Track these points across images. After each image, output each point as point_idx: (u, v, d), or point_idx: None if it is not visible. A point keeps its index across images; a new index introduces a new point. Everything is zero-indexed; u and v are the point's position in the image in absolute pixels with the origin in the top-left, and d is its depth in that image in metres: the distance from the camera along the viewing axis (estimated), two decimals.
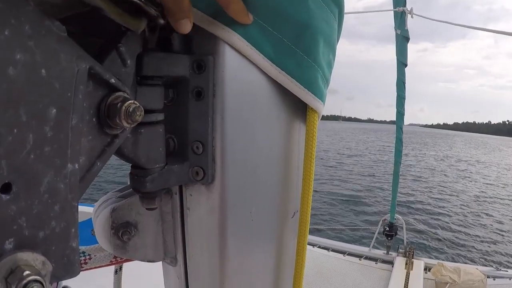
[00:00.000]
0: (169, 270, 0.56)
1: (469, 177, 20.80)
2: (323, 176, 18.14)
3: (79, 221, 0.32)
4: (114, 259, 0.73)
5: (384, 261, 4.16)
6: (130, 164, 0.44)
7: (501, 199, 14.69)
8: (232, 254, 0.49)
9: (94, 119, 0.34)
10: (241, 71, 0.45)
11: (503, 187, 17.95)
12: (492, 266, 4.03)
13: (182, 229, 0.50)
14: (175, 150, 0.46)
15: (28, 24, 0.25)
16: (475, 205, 13.42)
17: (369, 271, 3.98)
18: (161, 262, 0.55)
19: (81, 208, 0.34)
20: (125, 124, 0.34)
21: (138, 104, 0.35)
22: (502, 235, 9.90)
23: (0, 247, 0.25)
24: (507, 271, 3.94)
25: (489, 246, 8.97)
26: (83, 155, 0.33)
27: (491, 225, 10.93)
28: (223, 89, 0.44)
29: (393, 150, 4.61)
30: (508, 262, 7.70)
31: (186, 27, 0.38)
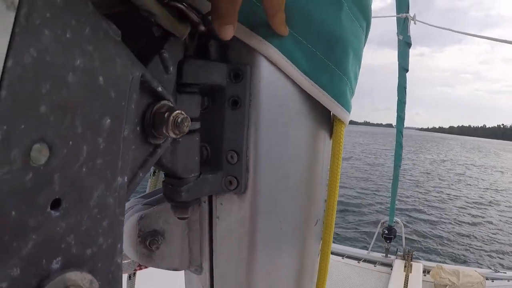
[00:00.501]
0: (193, 278, 0.56)
1: (466, 181, 20.84)
2: None
3: None
4: (139, 267, 0.70)
5: (383, 264, 4.18)
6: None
7: (498, 202, 14.74)
8: (259, 263, 0.48)
9: (138, 128, 0.32)
10: (276, 82, 0.45)
11: (502, 191, 18.03)
12: (490, 268, 4.06)
13: (210, 237, 0.50)
14: (208, 159, 0.45)
15: (88, 26, 0.24)
16: (473, 208, 13.46)
17: (367, 273, 4.00)
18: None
19: None
20: (171, 134, 0.33)
21: (186, 115, 0.34)
22: (500, 237, 9.96)
23: (47, 267, 0.23)
24: (505, 272, 3.97)
25: (487, 248, 9.01)
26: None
27: (490, 227, 10.98)
28: (259, 99, 0.44)
29: (391, 154, 4.64)
30: (506, 264, 7.75)
31: (229, 33, 0.38)
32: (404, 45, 4.32)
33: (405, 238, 4.41)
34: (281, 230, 0.49)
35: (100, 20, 0.25)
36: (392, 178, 4.73)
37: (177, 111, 0.34)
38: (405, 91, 4.41)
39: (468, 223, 11.31)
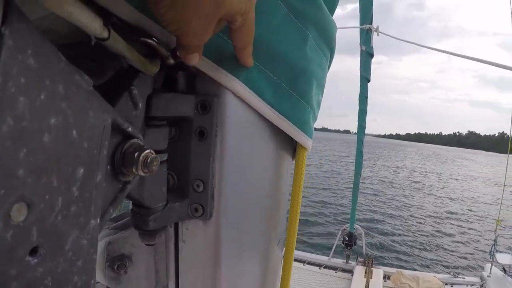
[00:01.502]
0: None
1: (423, 188, 21.52)
2: None
3: None
4: None
5: (343, 270, 4.23)
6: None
7: (454, 211, 15.28)
8: (224, 283, 0.50)
9: (108, 167, 0.33)
10: (241, 113, 0.46)
11: (457, 199, 18.71)
12: (449, 274, 4.15)
13: (175, 259, 0.51)
14: (175, 187, 0.46)
15: (61, 83, 0.24)
16: (431, 215, 13.90)
17: (328, 280, 4.04)
18: None
19: None
20: (141, 173, 0.34)
21: (155, 155, 0.35)
22: (458, 243, 10.35)
23: None
24: (464, 277, 4.10)
25: (446, 254, 9.31)
26: None
27: (447, 233, 11.39)
28: (225, 129, 0.45)
29: (352, 161, 4.72)
30: (465, 268, 8.02)
31: (195, 60, 0.38)
32: (366, 55, 4.42)
33: (366, 245, 4.48)
34: (245, 253, 0.51)
35: (72, 74, 0.25)
36: (352, 186, 4.80)
37: (147, 151, 0.34)
38: (367, 100, 4.50)
39: (427, 230, 11.67)
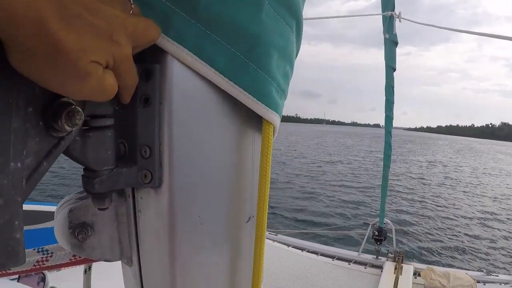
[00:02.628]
0: (127, 270, 0.58)
1: (455, 185, 21.01)
2: (318, 180, 18.21)
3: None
4: (74, 258, 0.78)
5: (373, 266, 4.15)
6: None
7: (489, 208, 14.86)
8: (181, 255, 0.50)
9: (41, 123, 0.36)
10: (190, 81, 0.47)
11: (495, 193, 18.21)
12: (482, 271, 4.03)
13: (136, 231, 0.53)
14: (125, 154, 0.48)
15: None
16: (465, 211, 13.56)
17: (358, 275, 3.96)
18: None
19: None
20: (66, 127, 0.36)
21: (79, 109, 0.37)
22: (493, 241, 10.04)
23: None
24: (497, 275, 3.94)
25: (479, 251, 9.06)
26: (30, 156, 0.35)
27: (482, 230, 11.07)
28: (171, 97, 0.46)
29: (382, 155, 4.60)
30: (498, 267, 7.77)
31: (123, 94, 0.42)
32: (391, 43, 4.30)
33: (396, 240, 4.34)
34: (202, 225, 0.51)
35: None
36: (381, 179, 4.67)
37: (72, 106, 0.36)
38: (393, 90, 4.37)
39: (461, 225, 11.37)
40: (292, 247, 4.57)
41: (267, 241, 4.57)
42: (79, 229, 0.50)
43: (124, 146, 0.48)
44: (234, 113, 0.52)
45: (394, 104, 4.43)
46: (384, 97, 4.47)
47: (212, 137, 0.50)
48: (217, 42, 0.46)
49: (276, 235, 4.87)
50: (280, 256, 4.28)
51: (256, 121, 0.55)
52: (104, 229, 0.52)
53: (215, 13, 0.44)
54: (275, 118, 0.54)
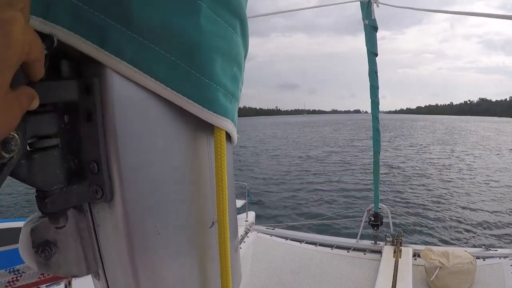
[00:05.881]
0: (96, 283, 0.58)
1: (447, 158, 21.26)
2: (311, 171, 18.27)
3: None
4: (42, 276, 0.80)
5: (372, 251, 4.18)
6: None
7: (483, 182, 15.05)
8: (143, 267, 0.51)
9: None
10: (132, 93, 0.46)
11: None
12: (481, 247, 4.03)
13: (97, 244, 0.53)
14: (76, 171, 0.48)
15: None
16: (457, 188, 13.72)
17: (358, 262, 3.99)
18: None
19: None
20: (4, 154, 0.36)
21: (13, 135, 0.36)
22: (488, 216, 10.20)
23: None
24: (496, 250, 3.97)
25: (475, 228, 9.17)
26: None
27: (476, 206, 11.24)
28: (113, 110, 0.45)
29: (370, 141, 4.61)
30: (496, 242, 7.87)
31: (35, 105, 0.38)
32: (371, 29, 4.30)
33: (392, 223, 4.37)
34: (160, 235, 0.51)
35: None
36: (372, 165, 4.68)
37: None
38: (377, 75, 4.39)
39: (455, 202, 11.52)
40: (291, 239, 4.57)
41: (265, 236, 4.58)
42: (42, 247, 0.50)
43: (74, 162, 0.48)
44: (183, 120, 0.51)
45: None
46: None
47: (161, 147, 0.50)
48: (156, 51, 0.45)
49: (273, 229, 4.86)
50: (280, 250, 4.28)
51: (209, 127, 0.54)
52: (67, 245, 0.52)
53: (151, 22, 0.43)
54: (226, 123, 0.54)
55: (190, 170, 0.54)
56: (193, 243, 0.56)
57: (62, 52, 0.43)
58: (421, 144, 33.97)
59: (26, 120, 0.40)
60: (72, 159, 0.48)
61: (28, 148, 0.42)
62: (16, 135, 0.37)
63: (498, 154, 25.90)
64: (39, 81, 0.41)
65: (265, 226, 4.98)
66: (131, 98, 0.46)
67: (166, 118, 0.50)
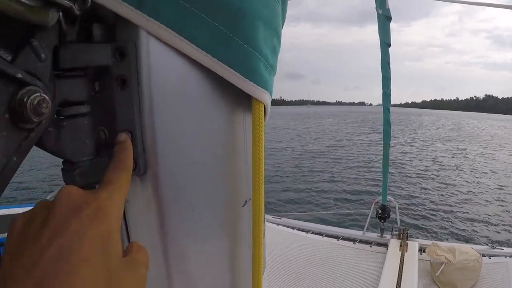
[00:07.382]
0: None
1: (456, 157, 21.17)
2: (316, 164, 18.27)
3: None
4: None
5: (378, 244, 4.15)
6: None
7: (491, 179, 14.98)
8: (174, 245, 0.49)
9: (6, 115, 0.33)
10: (170, 60, 0.43)
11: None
12: (487, 245, 4.02)
13: (125, 222, 0.51)
14: (107, 142, 0.45)
15: None
16: (465, 185, 13.66)
17: (364, 254, 3.97)
18: None
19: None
20: (33, 118, 0.34)
21: (44, 96, 0.34)
22: (495, 215, 10.12)
23: None
24: (502, 249, 3.93)
25: (483, 226, 9.14)
26: None
27: (484, 204, 11.17)
28: (149, 77, 0.43)
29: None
30: (502, 240, 7.85)
31: None
32: (384, 19, 4.22)
33: (400, 217, 4.34)
34: (194, 212, 0.49)
35: None
36: (382, 157, 4.64)
37: (36, 94, 0.34)
38: (389, 66, 4.32)
39: (463, 199, 11.47)
40: (297, 229, 4.56)
41: (271, 225, 4.56)
42: None
43: (105, 133, 0.45)
44: (221, 92, 0.49)
45: (379, 82, 4.37)
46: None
47: (198, 119, 0.48)
48: (197, 16, 0.42)
49: (280, 218, 4.85)
50: (286, 240, 4.26)
51: (245, 100, 0.52)
52: None
53: None
54: (265, 96, 0.51)
55: (225, 144, 0.52)
56: (226, 222, 0.54)
57: (95, 16, 0.40)
58: (431, 139, 33.74)
59: (56, 84, 0.38)
60: (101, 129, 0.45)
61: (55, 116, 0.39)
62: (46, 97, 0.35)
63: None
64: (70, 43, 0.39)
65: (272, 215, 4.97)
66: (169, 65, 0.44)
67: (204, 88, 0.47)
